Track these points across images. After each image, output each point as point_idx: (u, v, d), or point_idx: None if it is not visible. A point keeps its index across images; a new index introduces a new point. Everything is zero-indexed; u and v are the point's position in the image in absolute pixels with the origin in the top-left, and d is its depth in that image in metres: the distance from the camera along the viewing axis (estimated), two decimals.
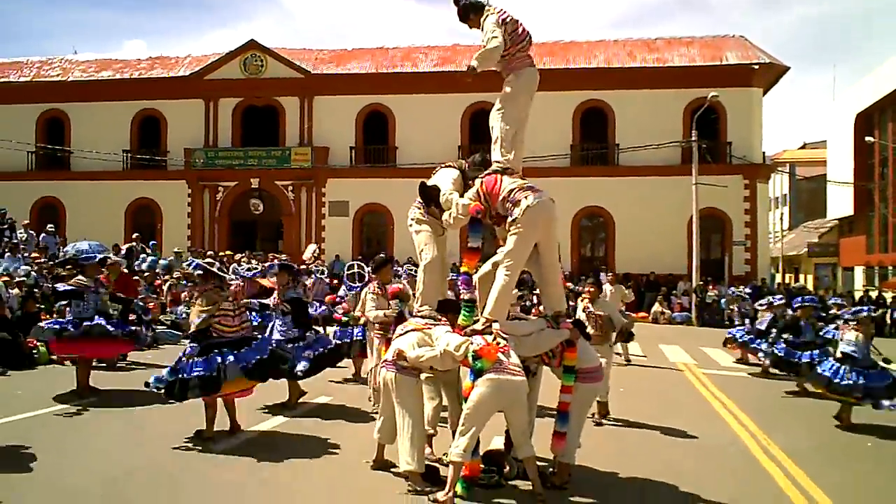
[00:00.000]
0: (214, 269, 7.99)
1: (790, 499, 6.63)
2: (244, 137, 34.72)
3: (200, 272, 8.07)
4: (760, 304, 15.47)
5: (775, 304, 14.38)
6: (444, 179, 7.01)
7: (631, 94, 32.03)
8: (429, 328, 6.44)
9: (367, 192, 33.26)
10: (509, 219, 6.40)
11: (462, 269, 6.78)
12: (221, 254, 24.86)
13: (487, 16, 6.94)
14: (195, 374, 7.46)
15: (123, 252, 21.31)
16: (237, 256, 24.31)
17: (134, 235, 22.18)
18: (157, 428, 8.34)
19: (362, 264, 12.40)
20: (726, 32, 35.46)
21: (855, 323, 9.85)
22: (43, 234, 21.82)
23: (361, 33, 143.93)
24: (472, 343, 5.96)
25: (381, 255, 9.91)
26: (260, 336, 8.51)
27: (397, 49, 35.64)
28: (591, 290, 9.35)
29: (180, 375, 7.53)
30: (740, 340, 14.81)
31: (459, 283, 6.82)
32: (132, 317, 11.18)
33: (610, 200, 31.93)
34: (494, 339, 6.05)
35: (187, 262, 18.64)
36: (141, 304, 14.10)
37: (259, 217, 34.28)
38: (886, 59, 42.19)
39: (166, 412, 8.85)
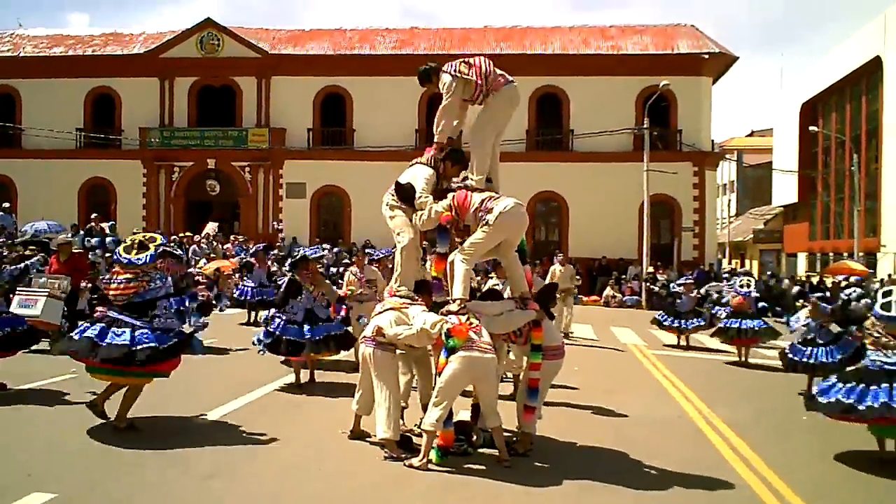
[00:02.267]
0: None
1: (732, 466, 7.24)
2: (200, 117, 34.52)
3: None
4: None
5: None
6: (418, 178, 7.39)
7: (585, 80, 32.64)
8: (405, 307, 6.90)
9: (325, 174, 33.39)
10: (482, 223, 6.91)
11: (433, 274, 7.29)
12: (181, 235, 24.93)
13: (441, 74, 7.53)
14: None
15: (82, 233, 21.29)
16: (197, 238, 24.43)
17: (93, 216, 22.07)
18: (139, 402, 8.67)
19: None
20: (678, 21, 36.31)
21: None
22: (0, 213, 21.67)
23: (318, 14, 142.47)
24: (446, 322, 6.42)
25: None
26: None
27: (355, 31, 35.71)
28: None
29: None
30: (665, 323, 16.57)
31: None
32: None
33: (564, 186, 32.58)
34: (468, 318, 6.53)
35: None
36: None
37: (215, 198, 34.22)
38: (832, 48, 43.50)
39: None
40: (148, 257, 7.29)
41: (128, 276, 7.20)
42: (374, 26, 36.24)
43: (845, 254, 36.75)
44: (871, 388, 7.12)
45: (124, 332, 6.95)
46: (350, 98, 33.85)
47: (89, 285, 12.70)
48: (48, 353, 10.30)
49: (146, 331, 7.02)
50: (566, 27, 35.31)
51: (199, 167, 33.87)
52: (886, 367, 7.20)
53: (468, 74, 7.34)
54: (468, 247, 7.00)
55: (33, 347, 9.81)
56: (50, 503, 5.37)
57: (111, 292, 7.28)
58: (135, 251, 7.31)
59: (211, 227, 22.86)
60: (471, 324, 6.52)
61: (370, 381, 6.87)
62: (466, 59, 7.47)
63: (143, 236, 7.61)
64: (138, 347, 6.87)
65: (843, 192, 40.79)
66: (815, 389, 8.14)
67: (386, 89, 32.93)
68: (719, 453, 7.67)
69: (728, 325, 14.39)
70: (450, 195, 7.16)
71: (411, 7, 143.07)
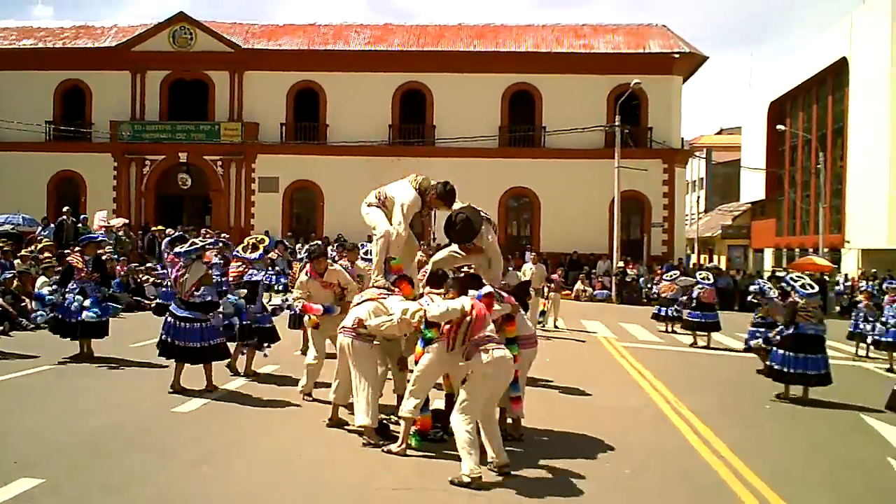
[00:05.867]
0: None
1: (697, 451, 7.53)
2: (172, 111, 34.29)
3: None
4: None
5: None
6: (401, 195, 7.66)
7: (558, 78, 32.96)
8: (383, 297, 7.09)
9: (298, 169, 33.38)
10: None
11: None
12: (154, 228, 24.84)
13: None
14: None
15: (53, 226, 21.20)
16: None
17: (64, 209, 21.95)
18: (119, 392, 8.78)
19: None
20: (649, 20, 36.78)
21: None
22: None
23: (291, 10, 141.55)
24: (426, 311, 6.61)
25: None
26: None
27: (329, 26, 35.69)
28: None
29: None
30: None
31: None
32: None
33: (536, 181, 32.87)
34: None
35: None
36: None
37: (187, 192, 34.03)
38: (800, 48, 44.22)
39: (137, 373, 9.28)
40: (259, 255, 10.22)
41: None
42: (347, 22, 36.25)
43: (811, 249, 37.47)
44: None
45: None
46: (323, 93, 33.84)
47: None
48: None
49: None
50: (539, 25, 35.56)
51: (170, 161, 33.68)
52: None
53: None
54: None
55: None
56: (38, 488, 5.50)
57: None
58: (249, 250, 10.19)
59: (100, 217, 21.91)
60: None
61: (348, 371, 7.04)
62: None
63: (256, 238, 10.50)
64: None
65: (809, 189, 41.54)
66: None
67: (359, 85, 33.03)
68: (686, 440, 7.96)
69: (693, 317, 15.94)
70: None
71: (385, 4, 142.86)
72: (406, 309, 6.67)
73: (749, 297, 13.29)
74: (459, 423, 6.06)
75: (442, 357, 6.57)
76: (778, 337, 10.29)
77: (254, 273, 10.22)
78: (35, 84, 33.54)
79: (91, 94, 34.11)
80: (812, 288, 10.35)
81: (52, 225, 21.27)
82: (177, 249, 8.97)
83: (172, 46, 33.67)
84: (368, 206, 7.83)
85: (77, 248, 11.20)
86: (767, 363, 10.54)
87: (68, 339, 10.68)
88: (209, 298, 9.08)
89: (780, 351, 10.17)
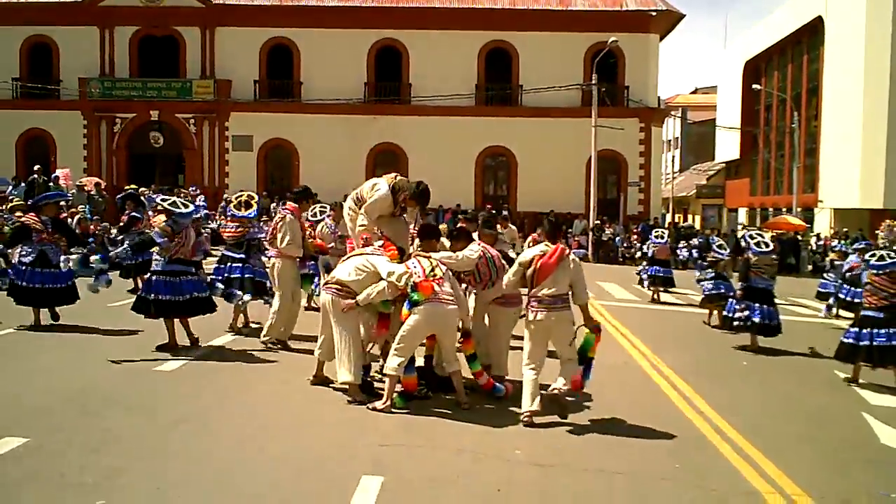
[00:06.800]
0: None
1: (677, 406, 7.65)
2: (142, 68, 33.60)
3: None
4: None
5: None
6: (372, 193, 7.66)
7: (535, 35, 32.68)
8: (372, 255, 7.02)
9: (272, 127, 32.96)
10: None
11: None
12: (126, 188, 24.40)
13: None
14: None
15: (24, 185, 20.82)
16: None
17: (35, 167, 21.50)
18: (97, 352, 8.70)
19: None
20: None
21: None
22: None
23: None
24: (412, 276, 6.62)
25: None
26: None
27: None
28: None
29: None
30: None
31: None
32: None
33: (513, 140, 32.76)
34: (432, 269, 6.71)
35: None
36: None
37: (159, 150, 33.54)
38: (776, 8, 44.21)
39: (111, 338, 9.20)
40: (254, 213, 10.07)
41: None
42: None
43: (784, 209, 37.88)
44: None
45: None
46: (297, 49, 33.31)
47: None
48: None
49: None
50: None
51: (141, 119, 33.11)
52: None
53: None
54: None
55: None
56: (22, 447, 5.46)
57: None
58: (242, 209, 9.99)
59: (62, 173, 21.38)
60: (434, 275, 6.71)
61: (330, 327, 7.03)
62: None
63: (244, 196, 10.17)
64: None
65: (783, 149, 41.84)
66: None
67: (334, 41, 32.55)
68: (667, 396, 8.07)
69: (650, 273, 16.65)
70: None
71: None
72: (392, 272, 6.65)
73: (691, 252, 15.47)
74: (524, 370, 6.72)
75: (429, 319, 6.60)
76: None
77: (255, 231, 10.20)
78: (0, 40, 32.68)
79: (58, 50, 33.32)
80: (767, 246, 10.98)
81: (23, 184, 20.85)
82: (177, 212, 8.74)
83: (142, 1, 32.85)
84: (351, 219, 7.96)
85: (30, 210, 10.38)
86: (724, 314, 11.45)
87: (27, 306, 9.97)
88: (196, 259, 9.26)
89: (734, 302, 11.10)
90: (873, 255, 9.12)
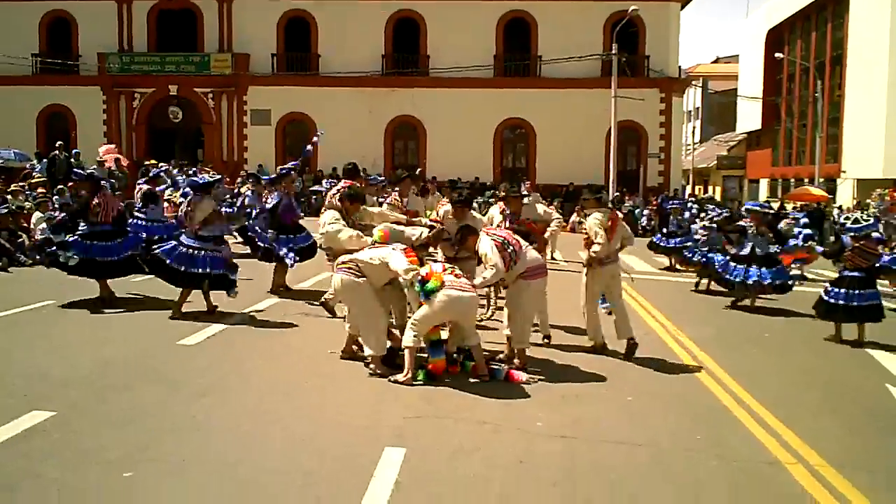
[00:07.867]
0: None
1: (698, 378, 7.64)
2: (160, 42, 33.70)
3: None
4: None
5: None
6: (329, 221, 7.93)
7: (554, 5, 32.37)
8: (392, 252, 7.06)
9: (290, 101, 33.00)
10: None
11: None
12: (147, 162, 24.50)
13: None
14: None
15: (45, 161, 20.95)
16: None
17: (57, 143, 21.59)
18: (123, 327, 8.81)
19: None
20: None
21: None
22: None
23: None
24: (418, 272, 6.75)
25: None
26: None
27: None
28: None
29: None
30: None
31: None
32: None
33: (531, 112, 32.55)
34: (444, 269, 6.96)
35: None
36: None
37: (178, 125, 33.68)
38: None
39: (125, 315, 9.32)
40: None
41: None
42: None
43: (806, 179, 37.43)
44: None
45: None
46: (315, 22, 33.22)
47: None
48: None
49: None
50: None
51: (160, 94, 33.24)
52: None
53: None
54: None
55: None
56: (49, 421, 5.54)
57: None
58: None
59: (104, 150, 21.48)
60: (445, 269, 6.91)
61: (356, 305, 7.10)
62: None
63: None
64: None
65: (805, 118, 41.28)
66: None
67: (351, 13, 32.44)
68: (686, 366, 8.07)
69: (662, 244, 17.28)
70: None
71: None
72: (408, 269, 6.75)
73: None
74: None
75: (446, 306, 6.70)
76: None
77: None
78: (20, 15, 32.95)
79: (77, 24, 33.51)
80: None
81: (45, 160, 20.98)
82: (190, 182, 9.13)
83: None
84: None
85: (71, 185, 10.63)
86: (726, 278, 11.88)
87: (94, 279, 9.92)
88: (217, 234, 9.28)
89: (733, 265, 11.77)
90: (848, 219, 9.72)
